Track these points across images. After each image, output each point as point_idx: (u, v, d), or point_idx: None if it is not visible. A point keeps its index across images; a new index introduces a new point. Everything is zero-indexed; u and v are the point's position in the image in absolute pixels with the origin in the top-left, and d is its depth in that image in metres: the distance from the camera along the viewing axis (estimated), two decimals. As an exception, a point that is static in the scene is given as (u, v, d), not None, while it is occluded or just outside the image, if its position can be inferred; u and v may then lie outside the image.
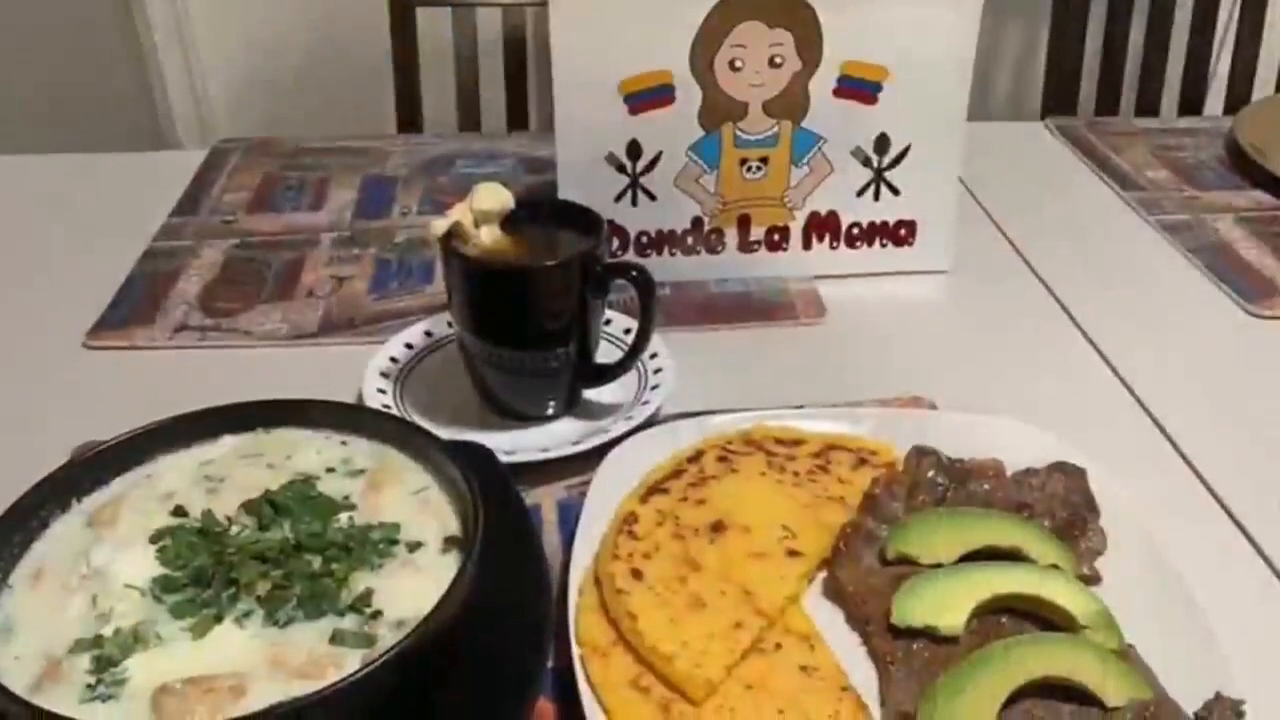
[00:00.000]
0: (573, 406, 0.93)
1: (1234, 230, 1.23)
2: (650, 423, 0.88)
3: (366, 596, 0.62)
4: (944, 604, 0.69)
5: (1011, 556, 0.74)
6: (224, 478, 0.71)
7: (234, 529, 0.66)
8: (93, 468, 0.70)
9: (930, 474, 0.81)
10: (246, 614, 0.61)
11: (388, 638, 0.59)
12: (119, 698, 0.57)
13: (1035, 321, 1.09)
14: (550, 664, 0.68)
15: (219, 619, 0.61)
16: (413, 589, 0.62)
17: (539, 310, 0.86)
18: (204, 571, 0.63)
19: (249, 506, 0.68)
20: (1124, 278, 1.16)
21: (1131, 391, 0.97)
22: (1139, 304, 1.11)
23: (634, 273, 0.87)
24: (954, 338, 1.07)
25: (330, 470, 0.71)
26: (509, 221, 0.88)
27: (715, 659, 0.67)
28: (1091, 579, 0.74)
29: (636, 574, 0.73)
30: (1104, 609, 0.69)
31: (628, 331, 0.97)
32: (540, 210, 0.92)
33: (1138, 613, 0.70)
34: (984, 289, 1.14)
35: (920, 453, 0.82)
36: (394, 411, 0.88)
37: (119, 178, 1.36)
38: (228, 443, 0.73)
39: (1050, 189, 1.35)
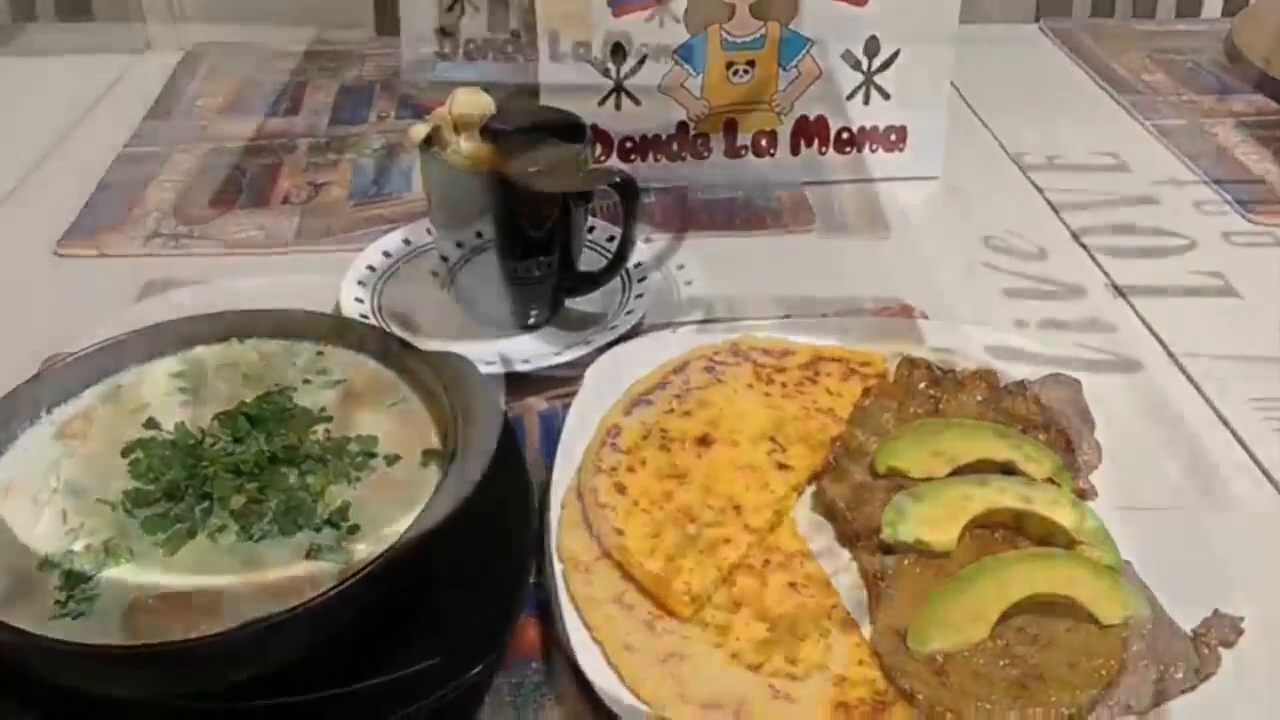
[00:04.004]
0: (555, 316, 0.91)
1: (1232, 135, 1.21)
2: (634, 332, 0.87)
3: (343, 510, 0.61)
4: (936, 519, 0.68)
5: (1005, 470, 0.72)
6: (197, 389, 0.69)
7: (208, 441, 0.65)
8: (63, 379, 0.68)
9: (921, 385, 0.80)
10: (220, 528, 0.60)
11: (365, 553, 0.58)
12: (90, 614, 0.56)
13: (1028, 228, 1.07)
14: (532, 580, 0.67)
15: (192, 534, 0.60)
16: (391, 503, 0.62)
17: (520, 218, 0.84)
18: (177, 485, 0.62)
19: (223, 418, 0.67)
20: (1119, 183, 1.14)
21: (1128, 300, 0.96)
22: (1135, 211, 1.09)
23: (618, 179, 0.85)
24: (946, 246, 1.05)
25: (307, 381, 0.70)
26: (489, 127, 0.86)
27: (701, 575, 0.66)
28: (1087, 493, 0.73)
29: (620, 488, 0.71)
30: (1100, 524, 0.68)
31: (611, 239, 0.95)
32: (521, 115, 0.90)
33: (1134, 528, 0.69)
34: (976, 195, 1.12)
35: (911, 364, 0.81)
36: (372, 321, 0.86)
37: (90, 82, 1.33)
38: (201, 353, 0.72)
39: (1045, 92, 1.33)
